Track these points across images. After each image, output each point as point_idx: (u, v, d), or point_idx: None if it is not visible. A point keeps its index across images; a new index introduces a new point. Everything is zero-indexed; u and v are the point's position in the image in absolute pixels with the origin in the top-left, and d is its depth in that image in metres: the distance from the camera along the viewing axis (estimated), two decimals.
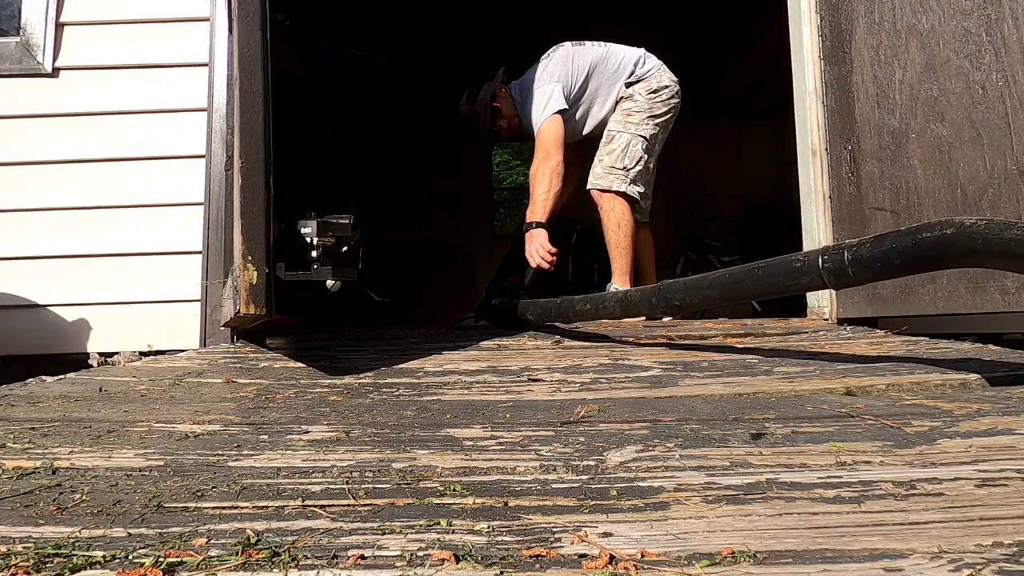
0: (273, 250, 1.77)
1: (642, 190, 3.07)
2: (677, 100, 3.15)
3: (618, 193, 3.01)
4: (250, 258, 1.72)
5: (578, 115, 3.18)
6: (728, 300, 2.01)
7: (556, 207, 3.07)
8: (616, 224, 3.00)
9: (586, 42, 3.21)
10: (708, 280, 1.94)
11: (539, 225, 2.95)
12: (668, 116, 3.14)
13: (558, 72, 3.09)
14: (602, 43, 3.21)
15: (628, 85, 3.12)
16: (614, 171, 3.03)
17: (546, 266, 2.93)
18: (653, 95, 3.10)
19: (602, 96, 3.16)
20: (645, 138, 3.05)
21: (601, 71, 3.13)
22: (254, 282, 1.72)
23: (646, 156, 3.06)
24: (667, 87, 3.13)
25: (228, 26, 2.55)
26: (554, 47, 3.22)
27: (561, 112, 3.03)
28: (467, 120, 3.41)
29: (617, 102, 3.14)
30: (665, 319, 2.95)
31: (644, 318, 2.90)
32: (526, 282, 3.20)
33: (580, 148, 3.34)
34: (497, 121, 3.29)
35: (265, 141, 1.78)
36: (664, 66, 3.20)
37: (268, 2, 1.86)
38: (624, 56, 3.17)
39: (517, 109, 3.24)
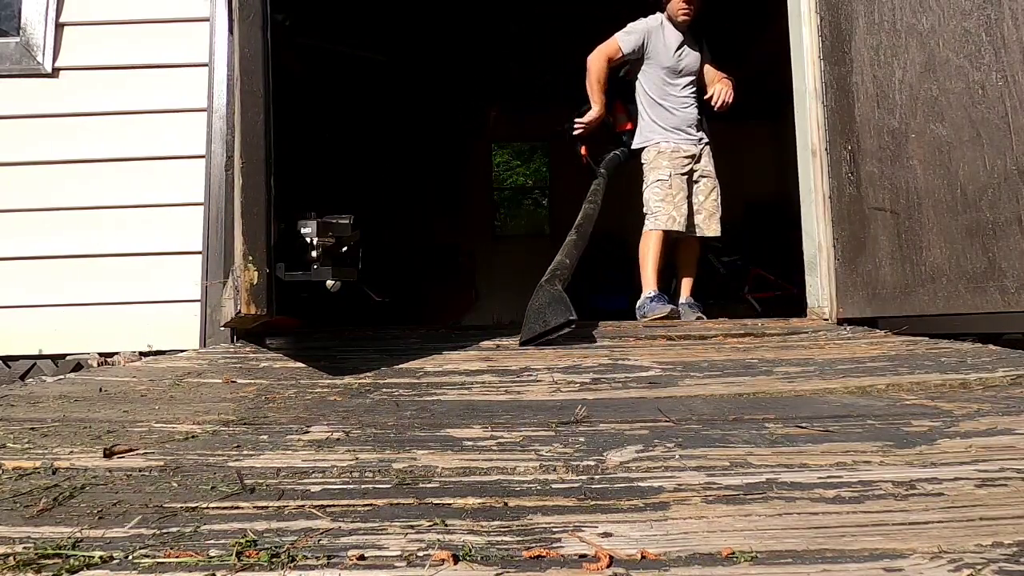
0: (273, 251, 1.77)
1: (664, 220, 3.20)
2: (668, 154, 3.28)
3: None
4: (251, 258, 1.72)
5: None
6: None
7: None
8: (640, 250, 3.29)
9: None
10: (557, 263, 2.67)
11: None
12: (665, 162, 3.27)
13: None
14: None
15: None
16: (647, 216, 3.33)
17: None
18: (644, 163, 3.36)
19: None
20: (661, 180, 3.25)
21: None
22: (255, 282, 1.72)
23: (665, 189, 3.22)
24: (644, 159, 3.35)
25: (228, 26, 2.55)
26: None
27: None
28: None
29: None
30: (665, 320, 2.97)
31: (643, 318, 2.99)
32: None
33: None
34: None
35: (266, 142, 1.79)
36: (652, 130, 3.34)
37: (269, 3, 1.86)
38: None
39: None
